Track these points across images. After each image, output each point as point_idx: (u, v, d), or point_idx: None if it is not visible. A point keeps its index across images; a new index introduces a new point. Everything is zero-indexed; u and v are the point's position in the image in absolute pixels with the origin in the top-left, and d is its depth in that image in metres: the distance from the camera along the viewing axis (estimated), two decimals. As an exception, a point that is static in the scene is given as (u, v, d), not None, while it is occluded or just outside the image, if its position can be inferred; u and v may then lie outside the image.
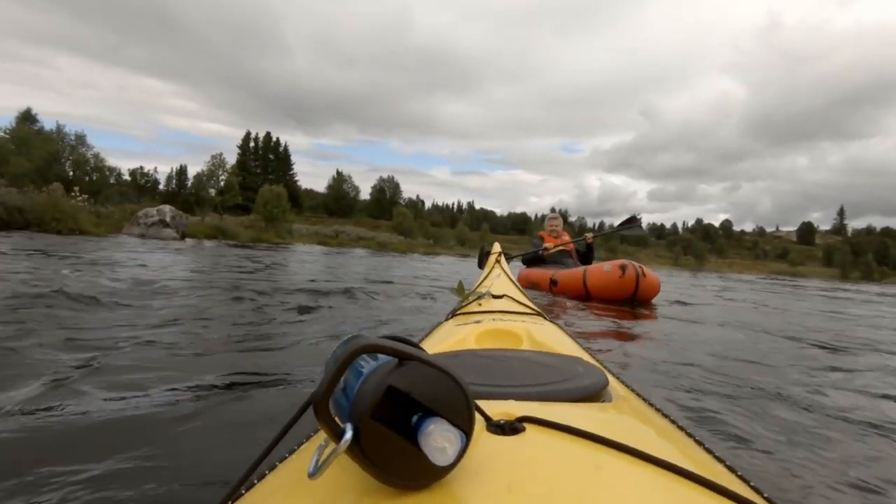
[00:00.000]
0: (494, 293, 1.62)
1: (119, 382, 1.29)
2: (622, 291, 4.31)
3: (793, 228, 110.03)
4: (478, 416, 0.38)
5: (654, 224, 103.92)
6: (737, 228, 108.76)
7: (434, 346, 1.00)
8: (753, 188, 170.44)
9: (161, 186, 53.37)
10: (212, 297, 2.98)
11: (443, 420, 0.34)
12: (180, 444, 0.99)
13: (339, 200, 61.21)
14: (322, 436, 0.42)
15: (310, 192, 71.60)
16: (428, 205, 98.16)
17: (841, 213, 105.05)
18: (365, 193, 66.24)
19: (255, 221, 24.91)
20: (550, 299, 4.46)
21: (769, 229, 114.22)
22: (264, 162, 59.78)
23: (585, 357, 0.91)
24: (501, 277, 2.12)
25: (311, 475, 0.34)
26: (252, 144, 60.17)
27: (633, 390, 0.75)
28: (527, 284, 5.40)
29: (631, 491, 0.36)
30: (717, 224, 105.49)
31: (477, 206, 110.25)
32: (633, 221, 5.87)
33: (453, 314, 1.44)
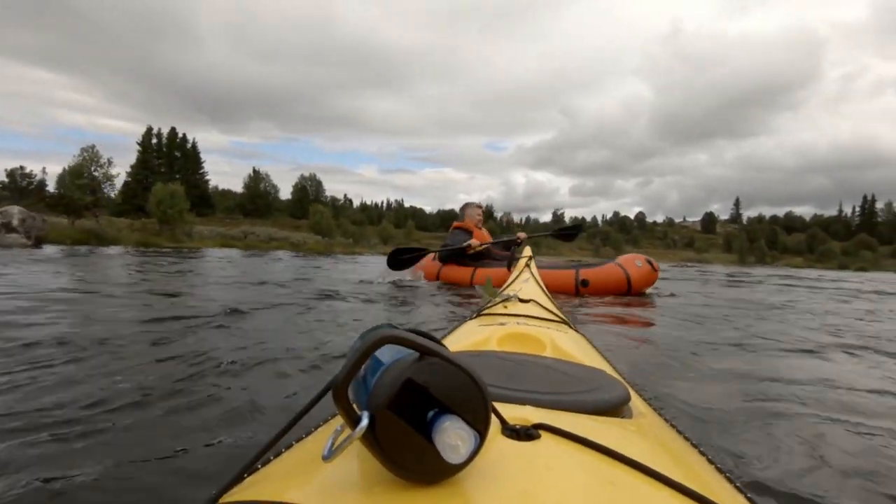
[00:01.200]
0: (522, 297, 1.57)
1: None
2: (650, 283, 4.90)
3: (697, 219, 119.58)
4: (493, 418, 0.37)
5: (576, 218, 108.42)
6: (649, 220, 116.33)
7: (456, 343, 1.01)
8: (663, 183, 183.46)
9: (50, 188, 47.51)
10: None
11: (458, 418, 0.33)
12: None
13: (255, 200, 57.74)
14: (338, 421, 0.43)
15: (227, 193, 67.32)
16: (356, 203, 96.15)
17: (737, 204, 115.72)
18: (286, 193, 63.29)
19: (149, 224, 22.48)
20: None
21: (677, 220, 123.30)
22: (170, 160, 54.84)
23: (608, 370, 0.90)
24: (530, 282, 2.06)
25: (326, 458, 0.34)
26: (155, 141, 55.07)
27: (654, 408, 0.73)
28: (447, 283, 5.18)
29: None
30: (632, 216, 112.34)
31: (406, 204, 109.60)
32: (576, 230, 6.29)
33: (478, 314, 1.43)
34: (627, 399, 0.61)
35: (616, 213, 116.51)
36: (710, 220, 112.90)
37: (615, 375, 0.84)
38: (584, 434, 0.42)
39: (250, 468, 0.44)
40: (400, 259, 5.30)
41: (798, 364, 2.08)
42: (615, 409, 0.58)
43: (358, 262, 12.27)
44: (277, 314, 2.79)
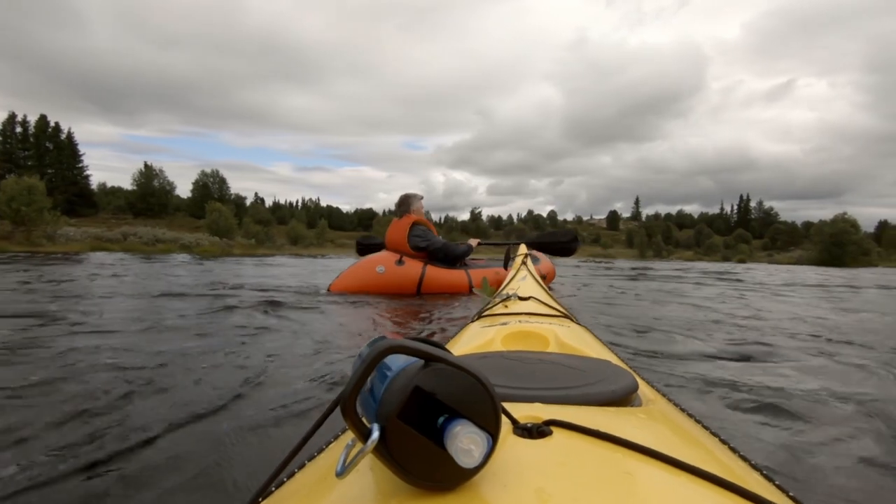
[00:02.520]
0: (521, 295, 1.55)
1: None
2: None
3: (603, 217, 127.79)
4: (504, 418, 0.37)
5: (493, 217, 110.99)
6: (560, 218, 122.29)
7: (460, 347, 1.00)
8: (573, 183, 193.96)
9: None
10: None
11: (469, 422, 0.33)
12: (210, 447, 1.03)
13: (147, 199, 52.17)
14: (349, 435, 0.44)
15: (117, 191, 60.32)
16: (269, 202, 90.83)
17: (637, 202, 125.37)
18: (186, 190, 57.94)
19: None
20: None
21: (585, 218, 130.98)
22: (38, 151, 47.88)
23: (614, 360, 0.91)
24: (528, 279, 2.01)
25: (339, 474, 0.33)
26: (19, 129, 47.84)
27: (663, 395, 0.73)
28: (448, 289, 4.46)
29: (664, 498, 0.35)
30: (545, 215, 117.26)
31: (323, 203, 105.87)
32: (571, 241, 4.82)
33: (479, 316, 1.41)
34: (635, 388, 0.61)
35: (530, 212, 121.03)
36: (614, 217, 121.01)
37: (621, 365, 0.84)
38: (596, 426, 0.42)
39: (264, 492, 0.44)
40: (367, 248, 5.16)
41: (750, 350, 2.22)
42: (624, 398, 0.58)
43: (242, 265, 10.81)
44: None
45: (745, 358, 2.09)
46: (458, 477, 0.34)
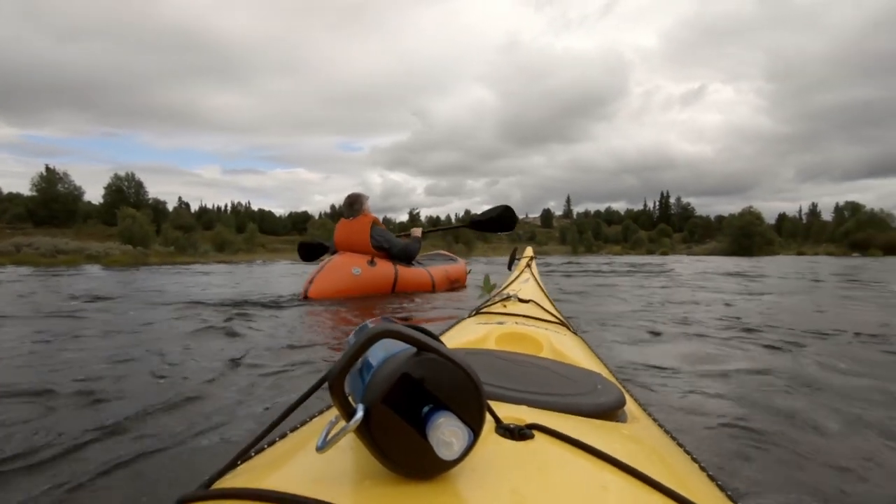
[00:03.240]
0: (521, 297, 1.54)
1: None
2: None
3: (537, 215, 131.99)
4: (488, 416, 0.38)
5: (431, 217, 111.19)
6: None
7: (454, 340, 1.00)
8: (508, 183, 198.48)
9: None
10: None
11: (453, 415, 0.33)
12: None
13: (50, 205, 47.31)
14: (334, 412, 0.44)
15: (15, 197, 54.19)
16: (194, 207, 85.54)
17: (568, 201, 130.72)
18: (98, 196, 53.12)
19: None
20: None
21: (521, 216, 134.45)
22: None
23: (605, 373, 0.90)
24: (530, 282, 1.99)
25: (319, 448, 0.34)
26: None
27: (649, 414, 0.73)
28: (414, 287, 4.57)
29: None
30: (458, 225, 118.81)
31: (255, 207, 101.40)
32: (506, 217, 4.75)
33: (476, 312, 1.42)
34: (622, 403, 0.61)
35: (467, 212, 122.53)
36: (547, 215, 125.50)
37: (611, 379, 0.83)
38: (578, 436, 0.42)
39: (244, 455, 0.44)
40: (311, 250, 5.12)
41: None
42: (610, 412, 0.58)
43: (157, 274, 9.87)
44: None
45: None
46: (435, 467, 0.34)
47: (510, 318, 1.24)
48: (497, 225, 4.74)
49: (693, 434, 1.20)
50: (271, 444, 0.48)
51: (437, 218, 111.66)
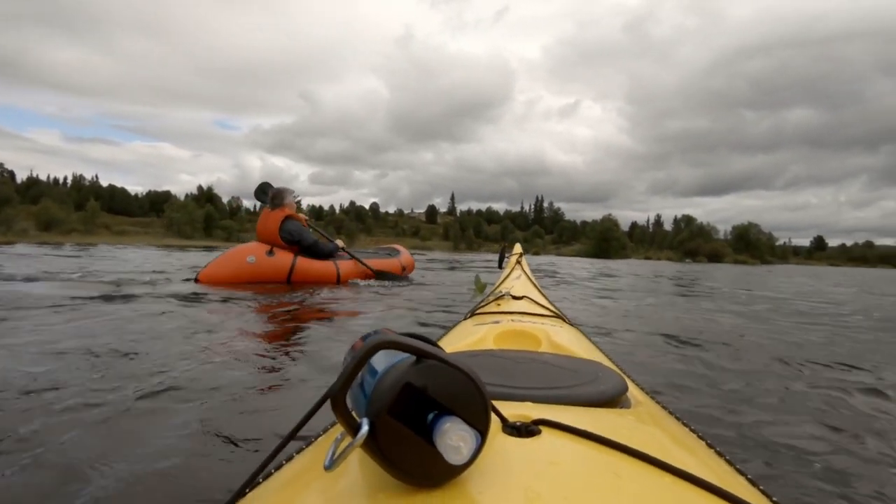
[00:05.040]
0: (514, 294, 1.56)
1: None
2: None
3: (422, 210, 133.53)
4: (494, 416, 0.38)
5: (313, 206, 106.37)
6: (383, 210, 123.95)
7: (452, 344, 1.00)
8: (396, 176, 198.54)
9: None
10: None
11: (458, 419, 0.33)
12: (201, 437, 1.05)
13: None
14: (339, 429, 0.42)
15: None
16: (22, 177, 71.48)
17: (452, 198, 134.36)
18: None
19: None
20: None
21: (406, 211, 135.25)
22: None
23: (605, 361, 0.91)
24: (522, 279, 2.01)
25: (327, 468, 0.33)
26: None
27: (652, 397, 0.74)
28: (315, 280, 4.62)
29: (650, 500, 0.35)
30: (367, 207, 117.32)
31: (104, 182, 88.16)
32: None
33: (472, 314, 1.42)
34: (625, 389, 0.61)
35: (352, 203, 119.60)
36: (432, 212, 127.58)
37: (611, 366, 0.84)
38: (584, 427, 0.42)
39: (252, 482, 0.44)
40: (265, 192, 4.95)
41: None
42: (613, 399, 0.58)
43: None
44: None
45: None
46: (446, 474, 0.34)
47: (506, 317, 1.23)
48: (396, 279, 5.26)
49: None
50: (278, 468, 0.47)
51: (321, 208, 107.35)
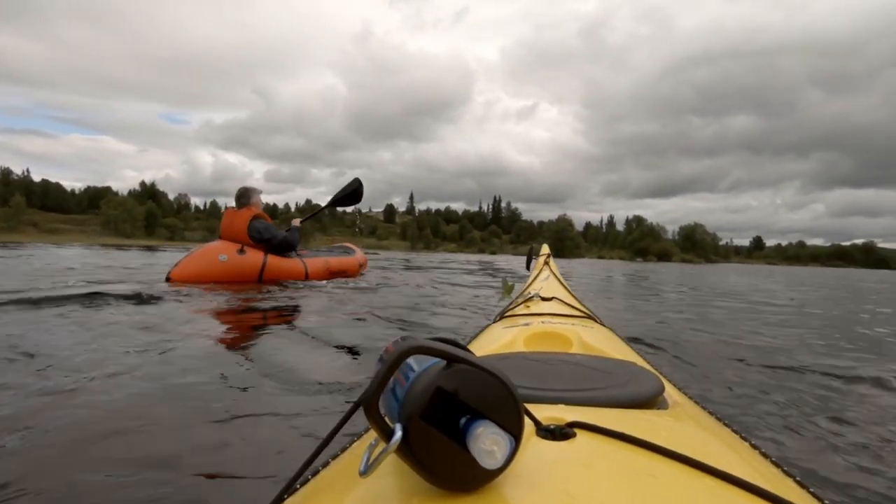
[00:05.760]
0: (544, 295, 1.55)
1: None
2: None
3: (380, 210, 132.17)
4: (527, 420, 0.38)
5: (268, 204, 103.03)
6: (340, 209, 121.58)
7: (482, 348, 0.99)
8: (354, 175, 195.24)
9: None
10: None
11: (491, 423, 0.33)
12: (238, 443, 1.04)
13: None
14: (372, 435, 0.44)
15: None
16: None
17: (411, 198, 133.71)
18: None
19: None
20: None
21: (364, 210, 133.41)
22: None
23: (640, 362, 0.90)
24: (550, 279, 1.97)
25: (363, 473, 0.34)
26: None
27: (690, 397, 0.73)
28: (286, 276, 4.67)
29: (690, 502, 0.35)
30: (323, 205, 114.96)
31: (37, 177, 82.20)
32: (355, 189, 5.59)
33: (501, 316, 1.41)
34: (661, 390, 0.60)
35: (308, 201, 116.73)
36: (390, 211, 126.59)
37: (647, 367, 0.83)
38: (620, 428, 0.41)
39: (290, 489, 0.44)
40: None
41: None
42: (649, 401, 0.57)
43: None
44: None
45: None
46: (480, 478, 0.34)
47: (535, 318, 1.22)
48: (349, 199, 5.57)
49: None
50: (315, 474, 0.48)
51: (275, 206, 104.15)
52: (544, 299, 1.50)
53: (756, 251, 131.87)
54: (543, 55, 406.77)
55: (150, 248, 19.00)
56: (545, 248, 2.64)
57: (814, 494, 0.45)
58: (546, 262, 2.34)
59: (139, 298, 2.99)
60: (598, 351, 0.89)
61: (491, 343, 1.01)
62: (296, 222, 5.05)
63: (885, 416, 1.37)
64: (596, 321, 1.34)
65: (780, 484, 0.44)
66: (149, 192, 76.05)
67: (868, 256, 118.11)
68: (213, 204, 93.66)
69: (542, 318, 1.23)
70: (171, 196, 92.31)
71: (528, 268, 2.58)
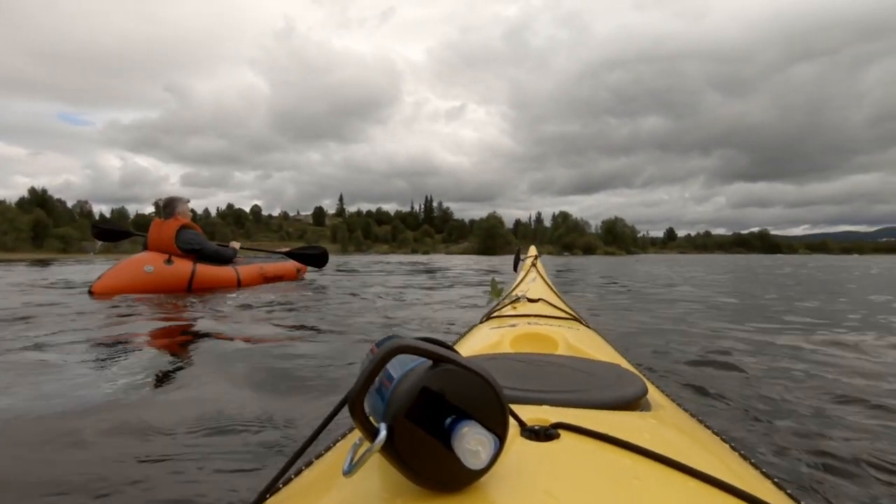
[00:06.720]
0: (530, 297, 1.55)
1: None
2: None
3: (309, 213, 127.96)
4: (512, 420, 0.38)
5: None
6: (266, 213, 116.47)
7: (469, 348, 1.00)
8: (281, 177, 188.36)
9: None
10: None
11: (476, 423, 0.33)
12: (219, 443, 1.05)
13: None
14: (357, 434, 0.44)
15: None
16: None
17: (341, 199, 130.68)
18: None
19: None
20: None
21: (292, 213, 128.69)
22: None
23: (624, 364, 0.91)
24: (537, 281, 1.99)
25: (346, 473, 0.34)
26: None
27: (673, 400, 0.74)
28: (216, 284, 4.53)
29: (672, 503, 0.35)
30: (248, 209, 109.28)
31: None
32: (319, 256, 5.71)
33: (488, 317, 1.42)
34: (644, 392, 0.60)
35: (230, 206, 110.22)
36: (320, 213, 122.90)
37: (631, 369, 0.83)
38: (604, 430, 0.42)
39: (272, 488, 0.44)
40: (107, 232, 5.06)
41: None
42: (633, 402, 0.58)
43: None
44: None
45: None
46: (464, 478, 0.34)
47: (522, 320, 1.23)
48: (311, 260, 5.70)
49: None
50: (298, 473, 0.47)
51: (193, 211, 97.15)
52: (531, 301, 1.49)
53: (669, 241, 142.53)
54: (469, 57, 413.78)
55: (41, 262, 16.77)
56: (532, 250, 2.61)
57: (791, 496, 0.46)
58: (533, 264, 2.33)
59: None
60: (584, 353, 0.89)
61: (477, 343, 1.01)
62: (235, 245, 5.04)
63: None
64: (582, 323, 1.34)
65: (759, 485, 0.44)
66: (37, 200, 68.06)
67: (764, 243, 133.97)
68: (121, 211, 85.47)
69: (528, 319, 1.23)
70: (70, 203, 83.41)
71: (515, 269, 2.54)
